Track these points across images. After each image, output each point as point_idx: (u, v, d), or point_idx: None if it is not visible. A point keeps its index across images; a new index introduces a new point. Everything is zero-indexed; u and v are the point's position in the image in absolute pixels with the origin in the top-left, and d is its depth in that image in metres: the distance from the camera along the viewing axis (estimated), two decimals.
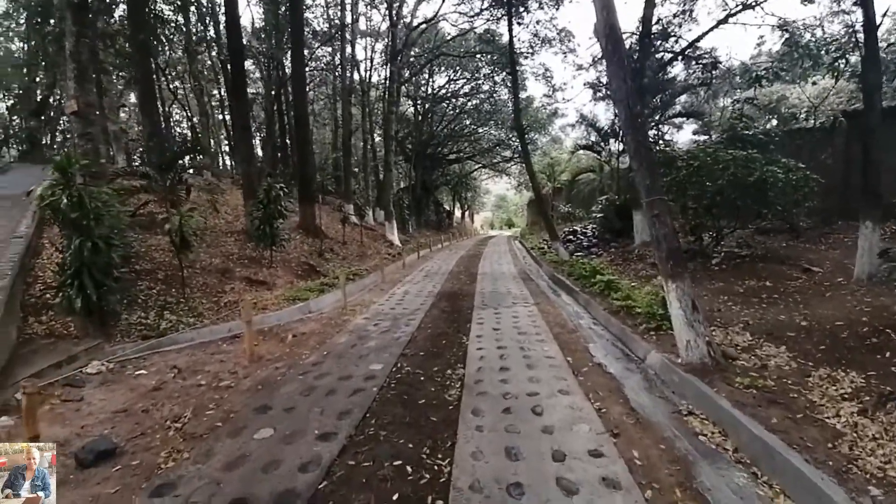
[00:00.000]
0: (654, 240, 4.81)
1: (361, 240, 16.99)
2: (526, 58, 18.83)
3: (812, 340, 5.16)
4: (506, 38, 22.56)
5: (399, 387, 4.38)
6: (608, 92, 16.36)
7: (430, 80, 31.21)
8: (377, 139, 27.31)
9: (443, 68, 30.65)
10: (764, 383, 4.13)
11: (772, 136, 8.92)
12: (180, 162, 10.04)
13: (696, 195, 8.31)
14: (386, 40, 22.42)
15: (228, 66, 13.51)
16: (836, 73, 10.72)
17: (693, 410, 3.83)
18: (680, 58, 13.41)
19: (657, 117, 12.13)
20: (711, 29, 12.39)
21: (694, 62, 13.62)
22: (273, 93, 18.75)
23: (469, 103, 32.80)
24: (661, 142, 9.52)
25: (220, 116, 23.97)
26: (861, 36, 6.82)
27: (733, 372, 4.42)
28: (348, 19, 20.23)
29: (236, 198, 14.52)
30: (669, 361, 4.66)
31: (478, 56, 26.58)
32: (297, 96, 13.86)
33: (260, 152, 27.12)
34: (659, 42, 13.30)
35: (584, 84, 15.96)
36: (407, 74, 24.84)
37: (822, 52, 10.84)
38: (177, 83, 22.84)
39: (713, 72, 13.30)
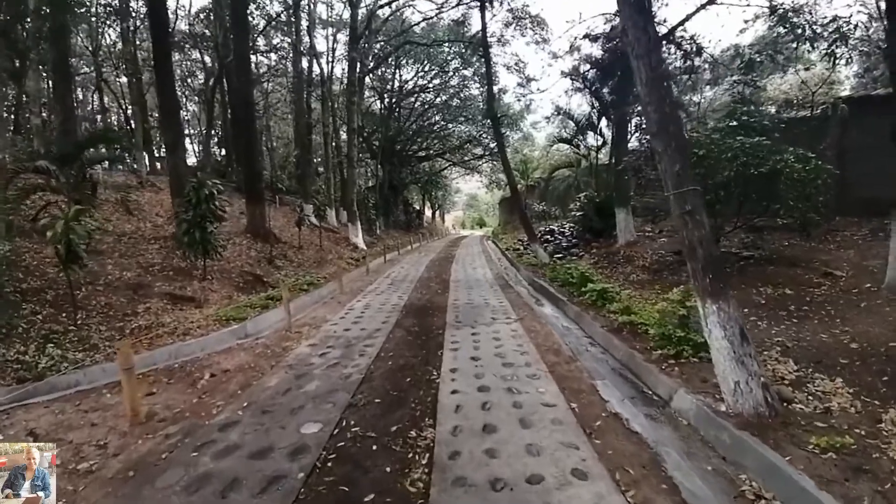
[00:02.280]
0: (685, 245, 3.59)
1: (321, 243, 15.35)
2: (502, 45, 17.64)
3: (869, 368, 4.12)
4: (474, 29, 21.43)
5: (338, 467, 2.98)
6: (585, 83, 15.40)
7: (397, 72, 29.65)
8: (342, 135, 25.59)
9: (410, 61, 29.17)
10: (842, 441, 2.99)
11: (776, 123, 7.99)
12: (86, 154, 8.21)
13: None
14: (346, 31, 20.78)
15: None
16: (832, 58, 9.91)
17: (762, 493, 2.63)
18: (662, 44, 12.48)
19: (636, 108, 11.10)
20: (697, 10, 11.48)
21: (676, 48, 12.72)
22: (215, 80, 16.65)
23: (438, 98, 31.47)
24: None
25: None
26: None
27: (796, 424, 3.28)
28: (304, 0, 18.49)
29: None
30: (710, 409, 3.46)
31: (446, 48, 25.28)
32: (240, 79, 12.10)
33: (223, 150, 24.95)
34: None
35: (561, 73, 14.84)
36: (371, 64, 23.22)
37: (819, 34, 10.07)
38: (109, 68, 20.36)
39: (697, 58, 12.42)
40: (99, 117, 22.93)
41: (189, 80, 26.38)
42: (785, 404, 3.53)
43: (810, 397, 3.69)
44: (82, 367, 5.14)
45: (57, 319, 6.08)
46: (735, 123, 7.39)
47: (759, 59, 10.29)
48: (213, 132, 19.09)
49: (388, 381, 4.55)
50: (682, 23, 11.93)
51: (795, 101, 11.52)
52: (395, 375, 4.69)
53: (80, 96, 29.61)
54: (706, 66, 13.76)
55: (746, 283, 6.78)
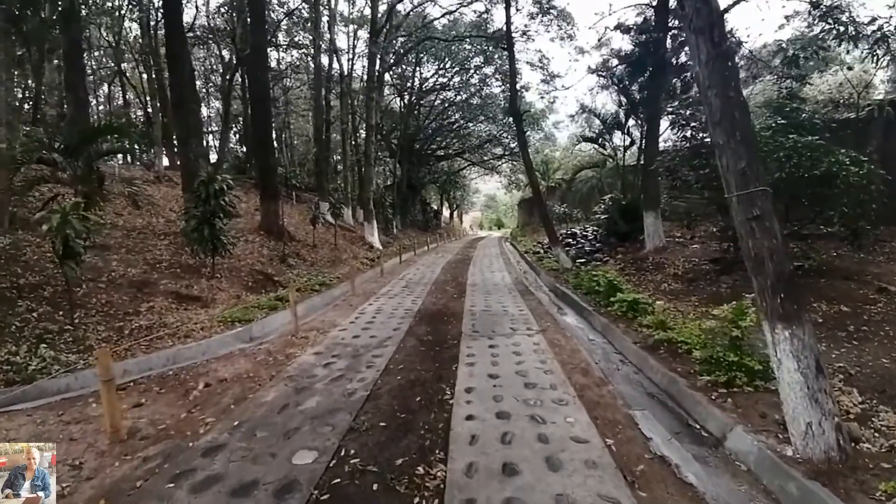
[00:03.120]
0: (750, 258, 3.01)
1: (335, 242, 15.03)
2: (525, 40, 17.00)
3: None
4: (496, 24, 20.87)
5: None
6: (613, 80, 14.69)
7: (417, 70, 29.24)
8: (361, 133, 25.34)
9: (430, 59, 28.73)
10: None
11: (826, 122, 7.24)
12: (95, 146, 7.98)
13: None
14: (367, 27, 20.44)
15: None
16: (875, 58, 9.09)
17: None
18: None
19: (674, 104, 10.37)
20: (735, 3, 10.72)
21: None
22: (232, 74, 16.35)
23: (458, 96, 30.94)
24: (688, 126, 7.77)
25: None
26: None
27: (864, 467, 2.79)
28: None
29: None
30: (774, 454, 2.88)
31: (467, 44, 24.74)
32: (257, 73, 11.83)
33: (243, 147, 24.88)
34: (674, 19, 11.61)
35: (588, 69, 14.15)
36: (392, 60, 22.86)
37: (861, 34, 9.28)
38: (130, 62, 20.46)
39: (737, 53, 11.63)
40: (122, 112, 23.14)
41: (211, 76, 26.51)
42: (853, 444, 2.96)
43: (877, 434, 3.18)
44: (73, 370, 4.83)
45: (53, 318, 5.80)
46: (784, 121, 6.68)
47: (803, 56, 9.51)
48: (230, 127, 18.93)
49: (396, 399, 4.08)
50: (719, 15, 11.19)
51: (841, 102, 10.62)
52: (403, 393, 4.22)
53: (107, 91, 30.22)
54: (742, 62, 12.93)
55: None
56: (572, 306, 8.15)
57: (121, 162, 14.26)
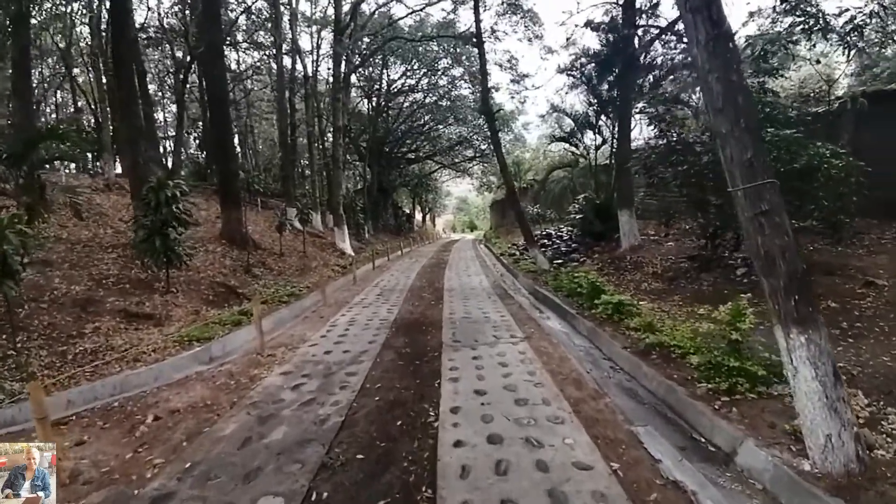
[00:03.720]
0: (759, 256, 2.77)
1: (304, 250, 14.36)
2: (494, 41, 16.87)
3: None
4: (463, 26, 20.70)
5: None
6: (583, 79, 14.68)
7: (385, 72, 28.73)
8: (328, 136, 24.58)
9: (398, 61, 28.29)
10: None
11: (801, 117, 7.28)
12: (37, 154, 7.17)
13: (723, 189, 6.50)
14: (331, 27, 19.79)
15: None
16: (847, 49, 9.30)
17: None
18: (664, 35, 11.80)
19: (645, 102, 10.36)
20: None
21: (679, 40, 12.05)
22: (185, 73, 15.32)
23: (427, 98, 30.64)
24: (663, 122, 7.68)
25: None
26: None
27: (883, 477, 2.59)
28: None
29: None
30: (792, 471, 2.64)
31: (435, 45, 24.49)
32: (213, 72, 11.10)
33: (203, 152, 23.58)
34: (642, 17, 11.66)
35: (557, 69, 14.10)
36: (357, 61, 22.29)
37: (831, 26, 9.49)
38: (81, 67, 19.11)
39: None
40: (73, 118, 21.62)
41: (167, 79, 25.17)
42: (869, 453, 2.77)
43: (889, 439, 3.01)
44: (17, 401, 4.18)
45: None
46: (761, 115, 6.65)
47: (771, 51, 9.65)
48: (186, 130, 17.91)
49: (375, 425, 3.65)
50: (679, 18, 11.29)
51: (811, 96, 10.87)
52: (382, 417, 3.79)
53: (57, 98, 28.31)
54: None
55: None
56: (554, 309, 7.90)
57: (69, 171, 13.15)
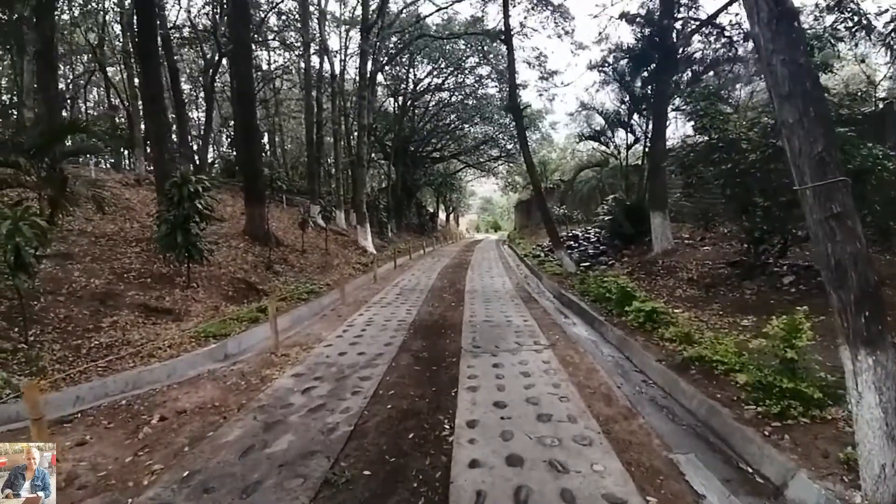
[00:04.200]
0: (828, 266, 2.37)
1: (326, 247, 14.33)
2: (522, 37, 16.44)
3: None
4: (490, 24, 20.29)
5: None
6: (615, 75, 14.12)
7: (411, 71, 28.62)
8: (354, 135, 24.64)
9: (425, 60, 28.14)
10: None
11: (853, 115, 6.66)
12: (62, 147, 7.29)
13: (770, 189, 5.98)
14: (359, 27, 19.75)
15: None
16: (891, 50, 8.59)
17: None
18: (705, 29, 11.16)
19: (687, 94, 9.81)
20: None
21: (720, 34, 11.39)
22: (214, 69, 15.44)
23: (453, 97, 30.40)
24: (706, 118, 7.11)
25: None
26: None
27: None
28: None
29: None
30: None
31: (462, 43, 24.22)
32: (241, 69, 11.15)
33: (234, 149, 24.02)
34: (681, 10, 11.06)
35: (588, 65, 13.58)
36: (385, 59, 22.23)
37: (873, 26, 8.85)
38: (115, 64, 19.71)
39: (745, 45, 11.09)
40: (108, 114, 22.40)
41: (201, 78, 25.76)
42: None
43: None
44: (22, 396, 4.15)
45: (9, 335, 5.13)
46: None
47: (817, 47, 9.01)
48: (215, 128, 18.20)
49: (385, 437, 3.40)
50: (725, 7, 10.63)
51: (857, 96, 10.11)
52: (394, 428, 3.54)
53: (96, 96, 29.44)
54: (750, 55, 12.38)
55: (824, 307, 5.43)
56: (581, 315, 7.51)
57: (99, 165, 13.52)
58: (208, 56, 16.36)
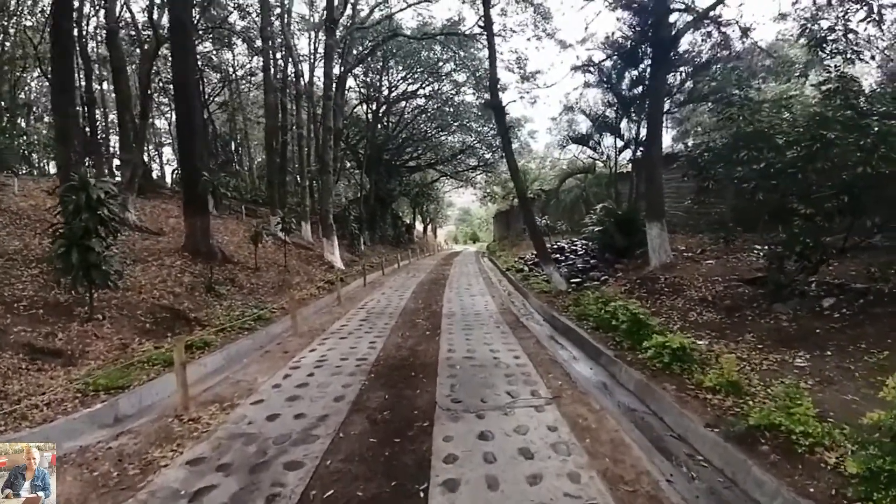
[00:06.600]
0: None
1: (286, 263, 12.72)
2: (501, 37, 15.47)
3: None
4: (468, 27, 19.34)
5: None
6: (602, 76, 13.16)
7: (384, 76, 27.33)
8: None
9: (399, 66, 26.95)
10: None
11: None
12: None
13: (814, 193, 4.86)
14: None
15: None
16: None
17: None
18: (701, 24, 10.26)
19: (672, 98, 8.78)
20: None
21: (716, 30, 10.53)
22: (150, 61, 13.56)
23: (429, 104, 29.29)
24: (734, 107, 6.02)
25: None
26: None
27: None
28: None
29: None
30: None
31: (437, 47, 23.22)
32: (177, 55, 9.58)
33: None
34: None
35: (572, 67, 12.57)
36: (355, 59, 20.89)
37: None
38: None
39: (743, 42, 10.26)
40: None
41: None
42: None
43: None
44: None
45: None
46: (861, 104, 5.04)
47: (831, 38, 8.24)
48: (150, 127, 16.30)
49: None
50: (716, 4, 9.75)
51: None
52: None
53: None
54: (762, 52, 11.57)
55: (882, 337, 4.28)
56: (581, 346, 6.23)
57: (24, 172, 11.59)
58: (144, 47, 14.56)
